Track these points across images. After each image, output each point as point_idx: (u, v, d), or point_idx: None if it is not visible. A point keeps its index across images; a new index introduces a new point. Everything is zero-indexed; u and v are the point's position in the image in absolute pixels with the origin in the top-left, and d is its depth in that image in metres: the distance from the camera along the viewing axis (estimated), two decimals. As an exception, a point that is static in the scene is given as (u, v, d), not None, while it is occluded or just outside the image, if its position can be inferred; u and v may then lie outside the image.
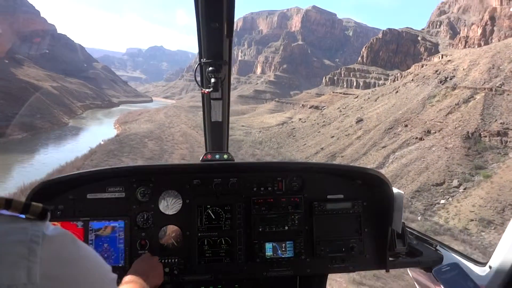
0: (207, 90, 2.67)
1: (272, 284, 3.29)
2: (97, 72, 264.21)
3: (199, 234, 2.98)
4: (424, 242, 3.27)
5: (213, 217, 3.01)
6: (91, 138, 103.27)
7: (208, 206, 3.02)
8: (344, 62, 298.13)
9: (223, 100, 3.23)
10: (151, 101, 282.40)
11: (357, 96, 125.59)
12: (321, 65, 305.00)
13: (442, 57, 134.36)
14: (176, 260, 2.90)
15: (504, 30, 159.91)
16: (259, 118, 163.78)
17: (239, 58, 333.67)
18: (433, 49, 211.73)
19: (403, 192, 3.07)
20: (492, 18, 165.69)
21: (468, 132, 70.71)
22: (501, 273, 2.59)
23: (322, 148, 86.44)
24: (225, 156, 3.18)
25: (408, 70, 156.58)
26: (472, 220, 50.01)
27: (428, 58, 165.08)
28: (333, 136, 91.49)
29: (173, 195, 2.99)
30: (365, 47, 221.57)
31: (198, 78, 2.91)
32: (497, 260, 2.61)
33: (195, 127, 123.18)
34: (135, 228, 2.90)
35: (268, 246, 3.03)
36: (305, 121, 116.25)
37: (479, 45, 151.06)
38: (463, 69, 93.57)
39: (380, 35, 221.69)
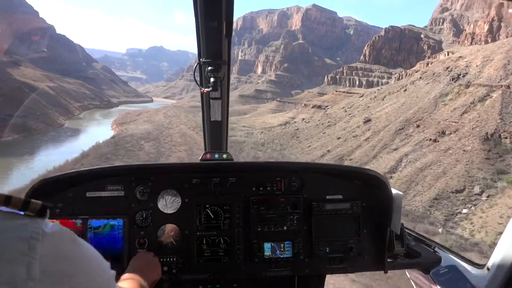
0: (206, 89, 2.67)
1: (270, 284, 3.26)
2: (96, 72, 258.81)
3: (198, 233, 2.94)
4: (422, 243, 3.20)
5: (212, 216, 2.96)
6: (85, 140, 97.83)
7: (207, 206, 2.97)
8: (345, 61, 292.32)
9: (222, 100, 3.18)
10: (151, 101, 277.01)
11: (362, 95, 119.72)
12: (322, 64, 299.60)
13: (448, 54, 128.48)
14: (174, 259, 2.86)
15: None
16: (260, 118, 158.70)
17: (240, 57, 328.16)
18: (437, 47, 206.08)
19: (401, 193, 2.98)
20: (499, 14, 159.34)
21: (487, 133, 64.68)
22: (499, 275, 2.58)
23: (328, 151, 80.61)
24: (224, 156, 3.15)
25: (413, 68, 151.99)
26: (501, 233, 43.93)
27: (433, 56, 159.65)
28: (339, 138, 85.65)
29: (172, 194, 2.95)
30: (368, 45, 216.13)
31: (198, 78, 2.91)
32: (495, 262, 2.59)
33: (195, 127, 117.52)
34: (134, 226, 2.86)
35: (267, 246, 2.99)
36: (309, 122, 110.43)
37: (486, 42, 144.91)
38: (476, 65, 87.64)
39: (382, 33, 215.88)
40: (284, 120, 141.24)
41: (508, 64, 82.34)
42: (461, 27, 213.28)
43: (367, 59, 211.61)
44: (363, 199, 3.06)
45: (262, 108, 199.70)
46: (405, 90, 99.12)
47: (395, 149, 71.95)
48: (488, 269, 2.62)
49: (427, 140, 70.43)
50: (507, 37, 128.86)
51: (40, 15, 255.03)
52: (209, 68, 2.56)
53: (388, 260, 3.03)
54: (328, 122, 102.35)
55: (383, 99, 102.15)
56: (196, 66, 2.73)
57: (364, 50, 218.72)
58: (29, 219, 0.92)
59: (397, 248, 2.98)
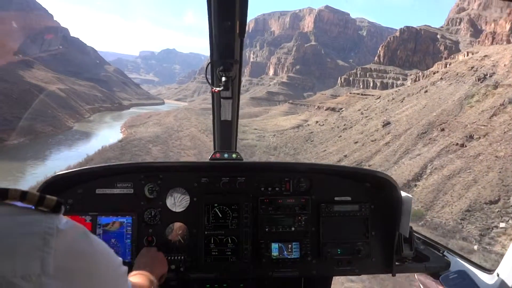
0: (218, 89, 2.67)
1: (277, 285, 3.30)
2: (108, 74, 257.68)
3: (205, 232, 2.94)
4: (431, 247, 3.17)
5: (220, 215, 2.97)
6: (92, 143, 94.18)
7: (216, 205, 2.97)
8: (358, 62, 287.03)
9: (233, 99, 3.16)
10: (163, 103, 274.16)
11: (379, 97, 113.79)
12: (335, 65, 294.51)
13: (467, 55, 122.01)
14: (182, 257, 2.87)
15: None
16: (272, 121, 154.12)
17: (251, 59, 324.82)
18: (454, 47, 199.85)
19: (411, 196, 2.96)
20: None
21: (521, 137, 58.57)
22: (509, 281, 2.53)
23: (345, 156, 75.05)
24: (234, 156, 3.13)
25: (431, 69, 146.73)
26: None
27: (451, 56, 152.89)
28: (357, 142, 79.97)
29: (181, 192, 2.96)
30: (382, 46, 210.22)
31: (209, 77, 2.93)
32: (505, 267, 2.55)
33: (205, 130, 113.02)
34: (143, 224, 2.88)
35: (274, 246, 3.00)
36: (323, 124, 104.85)
37: (508, 41, 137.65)
38: (504, 65, 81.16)
39: (397, 34, 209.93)
40: (296, 123, 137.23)
41: (539, 63, 75.89)
42: (479, 27, 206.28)
43: (382, 60, 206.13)
44: (372, 201, 3.05)
45: (274, 111, 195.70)
46: (426, 91, 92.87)
47: (418, 155, 66.11)
48: (498, 274, 2.57)
49: (453, 145, 64.43)
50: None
51: (55, 18, 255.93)
52: (221, 67, 2.57)
53: (396, 263, 3.00)
54: (344, 125, 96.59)
55: (402, 101, 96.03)
56: (208, 65, 2.72)
57: (378, 51, 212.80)
58: (44, 215, 0.92)
59: (405, 252, 2.96)
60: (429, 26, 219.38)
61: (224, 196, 2.96)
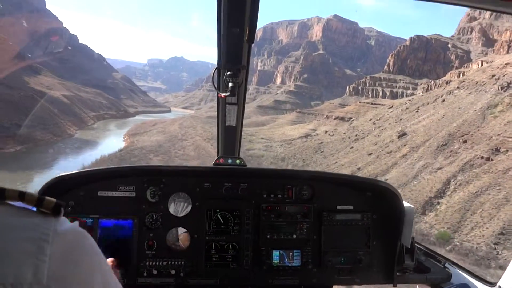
0: (224, 94, 2.63)
1: None
2: (116, 82, 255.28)
3: (207, 238, 2.92)
4: (433, 259, 3.14)
5: (222, 221, 2.95)
6: (92, 152, 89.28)
7: (217, 211, 2.95)
8: (366, 71, 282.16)
9: (238, 105, 3.11)
10: (170, 111, 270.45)
11: (391, 106, 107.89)
12: (343, 74, 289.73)
13: (482, 64, 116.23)
14: (182, 262, 2.85)
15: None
16: (279, 130, 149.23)
17: (259, 68, 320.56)
18: (465, 57, 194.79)
19: (413, 206, 2.95)
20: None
21: (555, 151, 52.35)
22: None
23: (359, 169, 69.14)
24: (238, 161, 3.05)
25: (443, 78, 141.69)
26: None
27: (465, 65, 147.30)
28: (370, 154, 74.04)
29: (183, 197, 2.93)
30: (392, 55, 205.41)
31: (215, 82, 2.87)
32: (506, 280, 2.54)
33: (210, 139, 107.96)
34: (144, 228, 2.85)
35: (275, 253, 2.97)
36: (333, 134, 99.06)
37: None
38: (529, 73, 75.28)
39: (407, 43, 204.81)
40: (304, 132, 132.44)
41: None
42: (491, 37, 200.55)
43: (391, 69, 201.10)
44: (374, 211, 3.04)
45: (281, 119, 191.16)
46: (443, 100, 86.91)
47: (439, 169, 60.15)
48: (499, 287, 2.55)
49: (478, 158, 58.43)
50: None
51: (64, 25, 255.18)
52: (228, 73, 2.53)
53: (397, 273, 2.98)
54: (356, 135, 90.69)
55: (417, 111, 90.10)
56: (215, 70, 2.68)
57: (388, 60, 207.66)
58: (42, 218, 0.86)
59: (406, 262, 2.93)
60: (440, 35, 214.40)
61: (226, 202, 2.94)
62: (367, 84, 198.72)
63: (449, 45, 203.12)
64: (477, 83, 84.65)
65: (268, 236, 2.94)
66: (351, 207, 3.03)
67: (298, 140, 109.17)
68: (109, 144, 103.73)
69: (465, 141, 63.79)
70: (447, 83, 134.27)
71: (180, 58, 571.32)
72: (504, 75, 79.90)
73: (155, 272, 2.79)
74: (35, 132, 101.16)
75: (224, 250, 2.89)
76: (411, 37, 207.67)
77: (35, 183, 56.93)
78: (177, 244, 2.83)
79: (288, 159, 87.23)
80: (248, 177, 3.01)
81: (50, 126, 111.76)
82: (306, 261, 2.93)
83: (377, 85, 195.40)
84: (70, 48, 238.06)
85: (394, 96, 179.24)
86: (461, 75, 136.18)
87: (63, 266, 0.83)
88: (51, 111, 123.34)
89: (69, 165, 74.93)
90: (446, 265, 3.02)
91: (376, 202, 3.03)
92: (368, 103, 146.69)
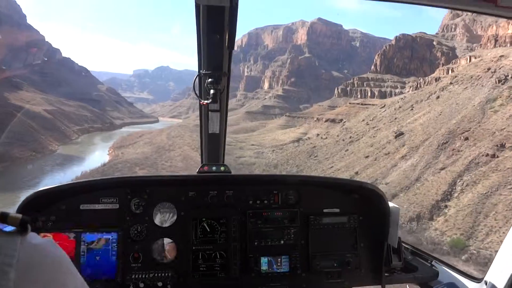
0: (206, 101, 2.60)
1: None
2: (101, 94, 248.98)
3: (193, 248, 2.88)
4: (420, 257, 3.16)
5: (208, 230, 2.91)
6: (73, 169, 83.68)
7: (203, 219, 2.91)
8: (353, 73, 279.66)
9: (221, 112, 3.10)
10: (157, 121, 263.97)
11: (384, 106, 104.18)
12: (330, 77, 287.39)
13: (470, 59, 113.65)
14: (169, 274, 2.79)
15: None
16: (270, 135, 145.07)
17: (246, 73, 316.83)
18: (451, 53, 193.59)
19: (398, 207, 3.00)
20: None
21: None
22: None
23: (356, 173, 64.78)
24: (222, 168, 3.06)
25: (432, 75, 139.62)
26: None
27: (453, 61, 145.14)
28: (367, 156, 69.78)
29: (168, 207, 2.87)
30: (378, 55, 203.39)
31: (197, 90, 2.87)
32: (493, 275, 2.53)
33: (198, 148, 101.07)
34: (128, 240, 2.78)
35: (264, 260, 2.95)
36: (326, 137, 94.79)
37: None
38: (526, 64, 72.03)
39: (393, 42, 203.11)
40: (295, 136, 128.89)
41: None
42: (475, 32, 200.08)
43: (378, 69, 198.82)
44: (360, 213, 3.06)
45: (271, 124, 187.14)
46: (438, 97, 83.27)
47: (442, 169, 56.11)
48: (486, 283, 2.56)
49: (483, 155, 54.53)
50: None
51: (46, 39, 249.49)
52: (209, 80, 2.52)
53: (386, 274, 2.98)
54: (350, 137, 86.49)
55: (411, 109, 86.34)
56: (196, 77, 2.65)
57: (374, 60, 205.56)
58: (6, 238, 0.76)
59: (394, 262, 2.95)
60: (425, 33, 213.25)
61: (212, 210, 2.90)
62: (355, 85, 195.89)
63: (434, 43, 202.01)
64: (471, 77, 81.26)
65: (256, 243, 2.91)
66: (337, 210, 3.03)
67: (290, 145, 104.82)
68: (93, 159, 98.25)
69: (466, 138, 59.95)
70: (436, 80, 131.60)
71: (166, 67, 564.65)
72: (500, 68, 76.62)
73: (141, 285, 2.71)
74: (13, 150, 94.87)
75: (211, 259, 2.84)
76: (396, 36, 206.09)
77: (12, 203, 51.21)
78: (163, 255, 2.77)
79: (281, 165, 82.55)
80: (234, 184, 2.99)
81: (29, 142, 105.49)
82: (294, 266, 2.91)
83: (365, 85, 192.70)
84: (51, 61, 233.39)
85: (382, 95, 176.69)
86: (449, 71, 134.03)
87: None
88: (31, 126, 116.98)
89: (48, 183, 69.10)
90: (433, 263, 3.01)
91: (362, 204, 3.06)
92: (358, 103, 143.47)
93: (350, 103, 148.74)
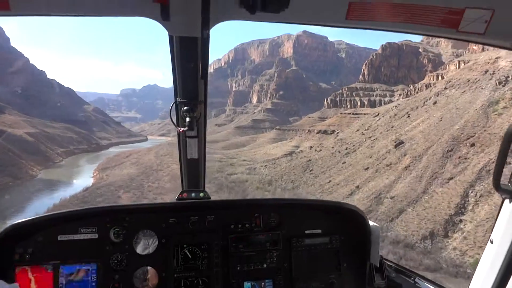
0: (183, 129, 2.61)
1: None
2: (87, 115, 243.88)
3: (175, 275, 2.80)
4: (403, 275, 3.10)
5: (190, 256, 2.84)
6: (53, 195, 76.98)
7: (185, 246, 2.85)
8: (340, 83, 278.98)
9: (199, 138, 3.08)
10: (146, 140, 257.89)
11: (378, 114, 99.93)
12: (318, 88, 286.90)
13: (459, 64, 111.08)
14: None
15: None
16: (261, 149, 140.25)
17: (234, 88, 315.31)
18: (437, 60, 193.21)
19: (378, 225, 3.02)
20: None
21: None
22: None
23: (357, 187, 59.63)
24: (201, 195, 3.03)
25: (422, 82, 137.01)
26: None
27: (441, 67, 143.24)
28: (367, 168, 64.77)
29: (149, 234, 2.80)
30: (365, 64, 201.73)
31: (174, 117, 2.88)
32: None
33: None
34: (108, 270, 2.70)
35: (247, 285, 2.91)
36: (320, 150, 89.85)
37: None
38: (526, 64, 68.43)
39: (379, 51, 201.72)
40: (288, 150, 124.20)
41: None
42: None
43: (367, 79, 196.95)
44: (341, 233, 3.07)
45: (261, 138, 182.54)
46: (435, 102, 79.18)
47: (451, 178, 51.27)
48: None
49: (493, 162, 49.73)
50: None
51: (31, 62, 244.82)
52: (185, 108, 2.52)
53: None
54: (346, 148, 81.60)
55: (408, 116, 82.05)
56: (172, 105, 2.66)
57: (362, 69, 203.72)
58: None
59: (377, 281, 2.93)
60: (410, 40, 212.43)
61: (194, 236, 2.84)
62: (345, 95, 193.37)
63: (420, 50, 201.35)
64: (469, 80, 77.46)
65: (238, 268, 2.86)
66: (319, 231, 3.02)
67: (283, 159, 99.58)
68: (75, 183, 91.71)
69: (472, 144, 55.41)
70: (427, 86, 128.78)
71: (154, 86, 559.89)
72: (498, 69, 72.99)
73: None
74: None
75: (193, 286, 2.76)
76: (383, 45, 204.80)
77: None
78: (144, 284, 2.67)
79: (275, 181, 77.03)
80: (214, 209, 2.94)
81: (8, 168, 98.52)
82: None
83: (354, 95, 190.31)
84: (36, 83, 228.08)
85: (372, 104, 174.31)
86: (439, 77, 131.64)
87: None
88: (11, 150, 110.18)
89: (25, 211, 62.82)
90: (416, 280, 2.95)
91: (343, 224, 3.06)
92: (350, 113, 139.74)
93: (341, 113, 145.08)
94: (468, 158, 53.77)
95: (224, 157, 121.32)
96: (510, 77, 67.29)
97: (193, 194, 2.98)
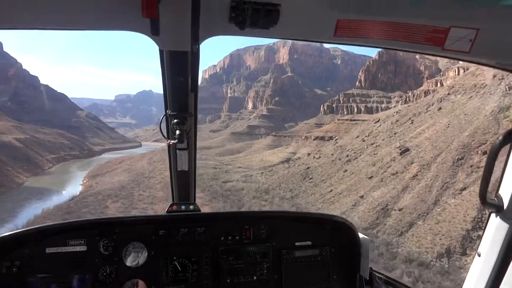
0: (173, 141, 2.60)
1: None
2: (80, 120, 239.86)
3: None
4: (393, 286, 3.09)
5: (180, 269, 2.81)
6: (37, 205, 71.81)
7: (175, 258, 2.83)
8: (336, 90, 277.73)
9: (189, 150, 3.04)
10: (140, 146, 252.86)
11: (378, 120, 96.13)
12: (313, 95, 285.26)
13: (458, 71, 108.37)
14: None
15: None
16: (257, 156, 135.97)
17: (229, 95, 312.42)
18: (434, 67, 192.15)
19: (368, 238, 3.03)
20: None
21: None
22: None
23: (362, 197, 55.25)
24: (191, 207, 3.01)
25: (421, 88, 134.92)
26: None
27: (441, 73, 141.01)
28: (371, 177, 60.49)
29: (138, 246, 2.76)
30: (362, 70, 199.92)
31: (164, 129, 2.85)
32: None
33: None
34: (97, 283, 2.67)
35: None
36: (319, 157, 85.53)
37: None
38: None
39: (376, 57, 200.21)
40: (284, 157, 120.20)
41: None
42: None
43: (363, 85, 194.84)
44: (331, 245, 3.07)
45: (257, 145, 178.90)
46: (440, 108, 75.40)
47: (464, 189, 47.16)
48: None
49: (509, 172, 45.73)
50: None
51: (24, 67, 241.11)
52: (175, 120, 2.52)
53: None
54: (347, 156, 77.35)
55: (412, 122, 78.17)
56: (163, 117, 2.66)
57: (359, 76, 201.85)
58: None
59: None
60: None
61: (184, 248, 2.82)
62: (341, 101, 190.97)
63: (417, 56, 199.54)
64: (475, 86, 73.77)
65: (228, 280, 2.84)
66: (309, 243, 3.02)
67: (280, 166, 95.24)
68: (63, 191, 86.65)
69: (485, 152, 51.34)
70: (426, 93, 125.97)
71: (149, 91, 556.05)
72: (507, 74, 69.26)
73: None
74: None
75: None
76: (379, 51, 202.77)
77: None
78: None
79: (272, 190, 72.42)
80: (204, 221, 2.92)
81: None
82: None
83: (351, 101, 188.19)
84: (29, 88, 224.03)
85: (369, 111, 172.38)
86: (438, 84, 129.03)
87: None
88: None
89: (9, 222, 57.79)
90: None
91: (333, 236, 3.06)
92: (347, 120, 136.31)
93: (338, 120, 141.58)
94: (481, 167, 49.69)
95: (219, 164, 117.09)
96: (521, 82, 63.89)
97: (183, 207, 2.93)
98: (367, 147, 77.35)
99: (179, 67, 2.15)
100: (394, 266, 37.53)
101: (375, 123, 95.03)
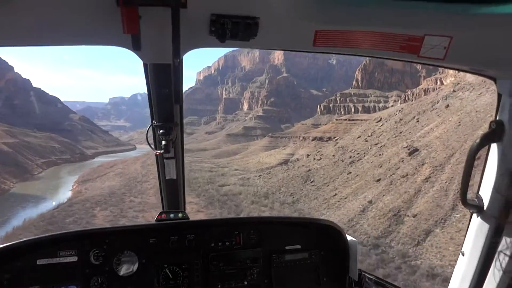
0: (159, 151, 2.63)
1: None
2: (73, 123, 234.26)
3: None
4: (383, 287, 3.09)
5: (171, 276, 2.82)
6: (21, 214, 66.66)
7: (165, 265, 2.83)
8: (331, 90, 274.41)
9: (176, 159, 3.04)
10: (135, 149, 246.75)
11: (380, 119, 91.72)
12: (309, 95, 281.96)
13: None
14: None
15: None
16: (254, 158, 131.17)
17: (224, 96, 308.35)
18: (431, 65, 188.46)
19: (356, 240, 3.07)
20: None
21: None
22: None
23: (370, 202, 50.67)
24: (180, 215, 3.01)
25: (420, 86, 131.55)
26: None
27: (440, 71, 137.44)
28: (379, 179, 55.74)
29: (129, 255, 2.77)
30: (359, 70, 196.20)
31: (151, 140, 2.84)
32: None
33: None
34: None
35: None
36: (320, 158, 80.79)
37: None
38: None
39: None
40: (282, 158, 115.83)
41: None
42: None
43: (360, 85, 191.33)
44: (320, 248, 3.12)
45: (253, 146, 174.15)
46: (447, 106, 71.00)
47: (483, 193, 42.38)
48: None
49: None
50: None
51: (16, 70, 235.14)
52: (161, 131, 2.53)
53: None
54: (350, 157, 72.61)
55: (417, 121, 73.73)
56: (149, 128, 2.65)
57: (355, 75, 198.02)
58: None
59: None
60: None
61: (174, 255, 2.83)
62: (338, 101, 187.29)
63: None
64: (484, 81, 69.42)
65: (219, 286, 2.87)
66: (299, 246, 3.06)
67: (278, 168, 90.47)
68: (50, 198, 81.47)
69: (503, 152, 46.68)
70: (425, 91, 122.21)
71: (143, 94, 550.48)
72: (519, 69, 65.17)
73: None
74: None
75: None
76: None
77: None
78: None
79: (272, 194, 67.43)
80: (194, 228, 2.93)
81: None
82: None
83: (348, 101, 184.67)
84: (21, 91, 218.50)
85: (366, 110, 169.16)
86: (438, 82, 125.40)
87: None
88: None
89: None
90: None
91: (322, 239, 3.11)
92: (345, 119, 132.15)
93: (336, 120, 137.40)
94: (500, 167, 45.40)
95: (214, 167, 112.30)
96: (535, 76, 59.47)
97: (172, 215, 2.93)
98: (371, 148, 72.74)
99: (162, 79, 2.16)
100: (414, 282, 32.89)
101: (376, 122, 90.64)
